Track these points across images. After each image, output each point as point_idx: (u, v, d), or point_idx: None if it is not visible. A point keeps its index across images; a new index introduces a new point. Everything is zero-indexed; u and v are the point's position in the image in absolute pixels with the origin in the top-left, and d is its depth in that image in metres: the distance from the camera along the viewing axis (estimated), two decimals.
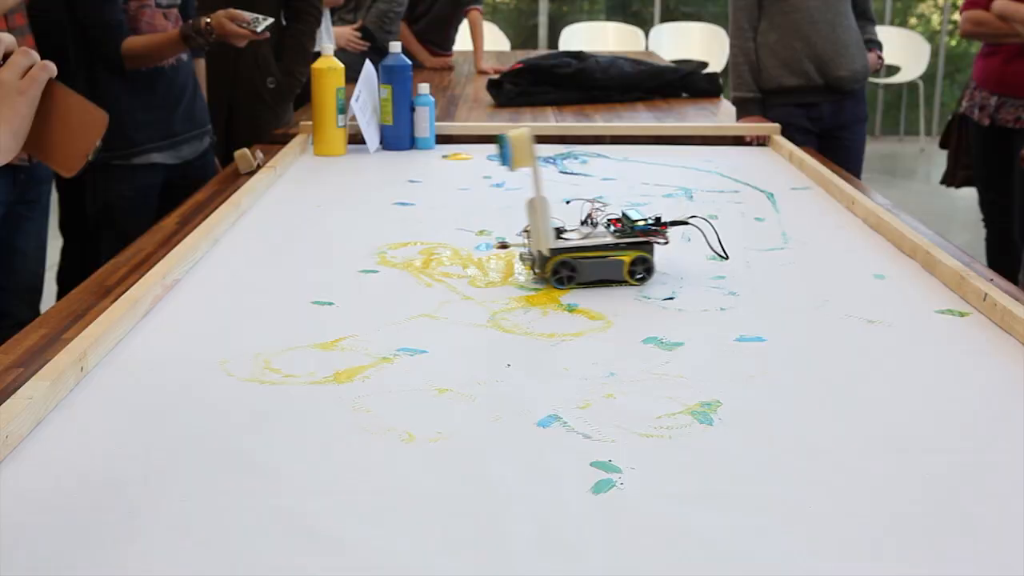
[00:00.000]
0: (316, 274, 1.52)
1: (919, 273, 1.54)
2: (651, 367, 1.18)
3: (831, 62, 2.89)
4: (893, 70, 7.03)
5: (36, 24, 2.22)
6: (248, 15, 2.30)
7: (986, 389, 1.14)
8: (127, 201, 2.41)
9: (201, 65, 2.65)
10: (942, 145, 3.55)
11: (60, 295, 2.87)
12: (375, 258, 1.60)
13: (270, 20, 2.32)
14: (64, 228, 2.92)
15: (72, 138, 1.01)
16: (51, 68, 1.00)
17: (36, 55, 0.99)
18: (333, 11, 3.87)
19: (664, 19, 7.32)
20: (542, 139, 2.58)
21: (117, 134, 2.36)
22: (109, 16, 2.27)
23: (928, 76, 7.15)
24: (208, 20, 2.28)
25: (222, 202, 1.86)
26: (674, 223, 1.50)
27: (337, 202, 1.97)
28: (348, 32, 3.86)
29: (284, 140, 2.54)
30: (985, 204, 3.45)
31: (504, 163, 1.38)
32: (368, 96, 2.42)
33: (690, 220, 1.52)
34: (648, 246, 1.46)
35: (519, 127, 1.39)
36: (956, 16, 7.42)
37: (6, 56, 0.99)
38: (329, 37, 3.43)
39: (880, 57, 3.08)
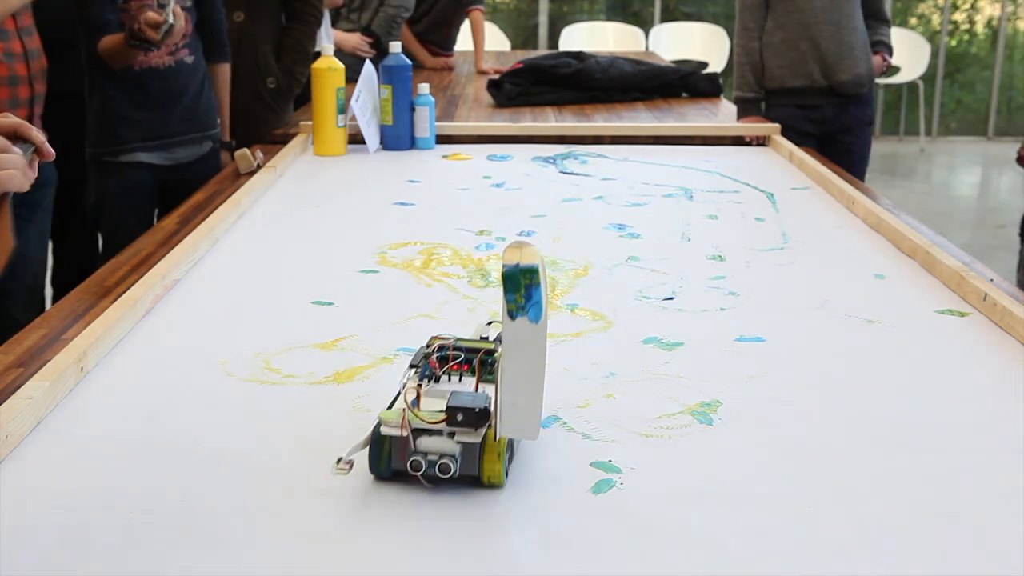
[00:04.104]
0: (316, 274, 1.52)
1: (919, 273, 1.54)
2: (651, 367, 1.18)
3: (835, 64, 2.88)
4: (893, 70, 7.03)
5: (41, 23, 2.22)
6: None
7: (986, 389, 1.14)
8: (114, 198, 2.42)
9: (226, 70, 2.63)
10: None
11: (56, 297, 2.87)
12: (375, 258, 1.60)
13: (171, 3, 2.20)
14: (56, 230, 2.92)
15: None
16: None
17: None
18: (336, 12, 3.87)
19: (664, 19, 7.32)
20: (542, 139, 2.60)
21: (105, 130, 2.37)
22: (93, 14, 2.29)
23: (928, 76, 7.16)
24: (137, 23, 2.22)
25: (222, 202, 1.86)
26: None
27: (337, 202, 1.97)
28: (357, 40, 3.86)
29: (284, 140, 2.54)
30: None
31: None
32: (368, 96, 2.42)
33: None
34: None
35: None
36: (956, 16, 7.42)
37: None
38: (329, 37, 3.43)
39: (886, 59, 3.07)
